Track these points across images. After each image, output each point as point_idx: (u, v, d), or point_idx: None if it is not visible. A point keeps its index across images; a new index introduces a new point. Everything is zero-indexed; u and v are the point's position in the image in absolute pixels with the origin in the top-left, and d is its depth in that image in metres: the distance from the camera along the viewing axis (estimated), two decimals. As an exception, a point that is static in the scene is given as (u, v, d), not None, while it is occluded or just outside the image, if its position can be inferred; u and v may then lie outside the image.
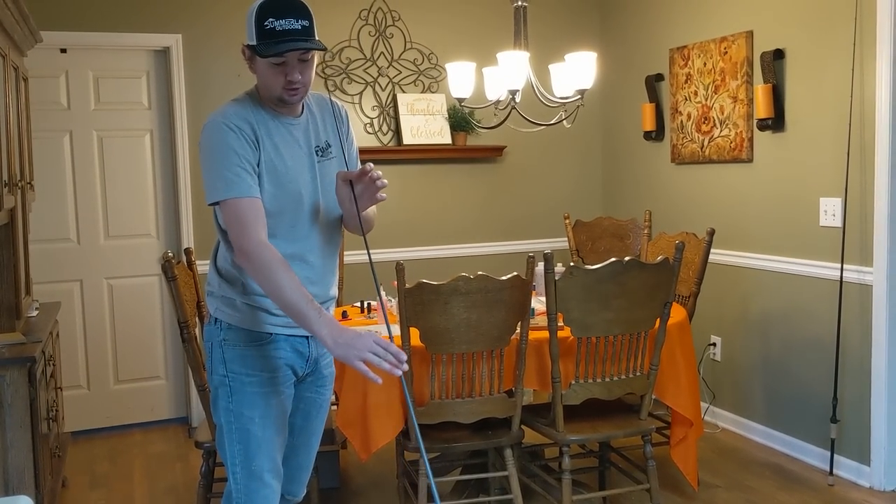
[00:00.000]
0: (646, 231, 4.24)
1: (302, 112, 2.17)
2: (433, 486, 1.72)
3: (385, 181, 2.07)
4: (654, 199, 4.88)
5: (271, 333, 2.13)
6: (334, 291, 2.29)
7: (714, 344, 4.47)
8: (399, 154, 4.88)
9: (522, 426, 3.09)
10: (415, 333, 2.82)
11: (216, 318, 2.16)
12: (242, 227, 1.99)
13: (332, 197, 2.18)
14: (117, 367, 4.63)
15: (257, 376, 2.13)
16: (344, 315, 3.53)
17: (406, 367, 1.93)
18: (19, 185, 3.21)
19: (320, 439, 2.42)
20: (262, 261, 1.97)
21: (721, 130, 4.30)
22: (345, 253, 4.51)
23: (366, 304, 3.63)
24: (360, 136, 4.84)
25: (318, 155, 2.17)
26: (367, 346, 1.89)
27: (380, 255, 4.76)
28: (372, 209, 2.28)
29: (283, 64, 2.00)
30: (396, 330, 2.95)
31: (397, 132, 4.88)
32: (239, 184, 2.00)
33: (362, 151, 4.82)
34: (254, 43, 1.99)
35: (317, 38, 2.02)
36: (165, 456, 4.20)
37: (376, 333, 1.97)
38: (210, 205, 2.06)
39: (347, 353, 1.90)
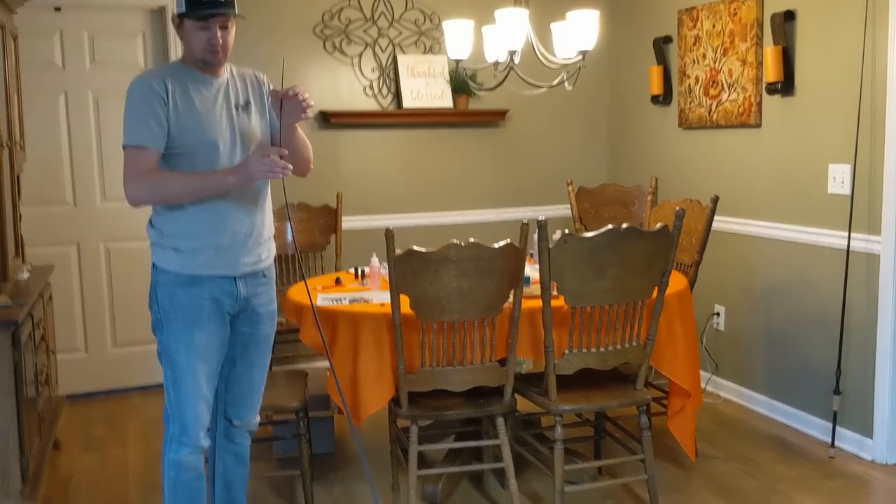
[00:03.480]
0: (650, 198, 4.14)
1: (223, 75, 2.44)
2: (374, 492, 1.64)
3: (312, 102, 2.37)
4: (660, 165, 4.78)
5: (195, 275, 2.37)
6: (267, 233, 2.53)
7: (717, 313, 4.39)
8: (399, 118, 4.78)
9: (516, 395, 3.04)
10: (405, 301, 2.76)
11: (154, 263, 2.43)
12: (135, 170, 2.28)
13: (254, 147, 2.44)
14: (115, 331, 4.61)
15: (182, 314, 2.38)
16: (337, 281, 3.47)
17: (289, 168, 2.31)
18: (6, 145, 3.15)
19: (265, 373, 2.66)
20: (151, 179, 2.28)
21: (729, 94, 4.18)
22: (343, 218, 4.46)
23: (360, 271, 3.57)
24: (359, 100, 4.75)
25: (237, 110, 2.43)
26: (259, 167, 2.26)
27: (378, 221, 4.71)
28: (308, 151, 2.56)
29: (206, 28, 2.31)
30: (386, 297, 2.89)
31: (397, 95, 4.78)
32: (142, 133, 2.28)
33: (361, 115, 4.76)
34: (183, 10, 2.30)
35: (236, 10, 2.36)
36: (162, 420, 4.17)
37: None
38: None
39: (254, 176, 2.30)
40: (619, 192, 4.56)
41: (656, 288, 2.92)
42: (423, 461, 3.39)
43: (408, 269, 2.71)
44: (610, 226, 2.76)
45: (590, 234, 2.75)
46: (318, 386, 3.62)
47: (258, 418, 2.68)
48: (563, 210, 4.96)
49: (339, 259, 4.36)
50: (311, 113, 2.40)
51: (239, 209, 2.42)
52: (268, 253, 2.55)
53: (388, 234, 2.71)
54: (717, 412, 4.14)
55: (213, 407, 2.53)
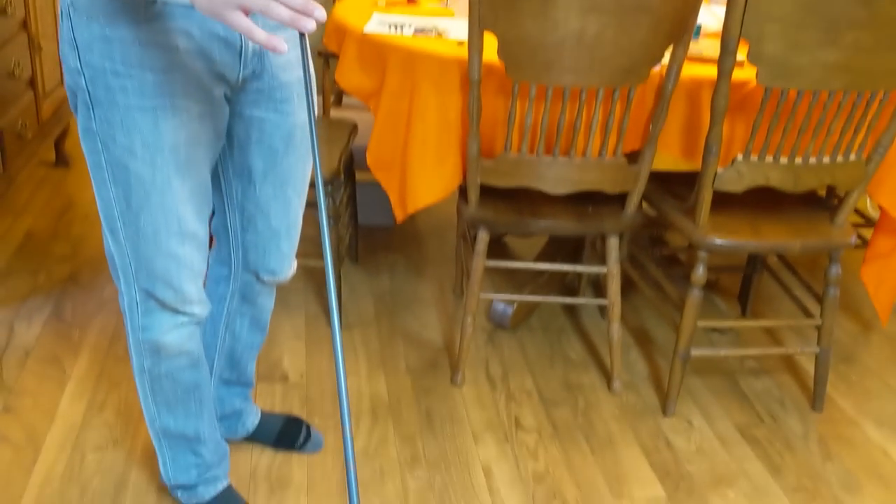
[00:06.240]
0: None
1: None
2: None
3: None
4: None
5: None
6: None
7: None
8: None
9: (644, 203, 2.04)
10: (491, 43, 1.70)
11: None
12: None
13: None
14: None
15: (134, 77, 1.19)
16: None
17: (313, 25, 1.01)
18: None
19: (306, 189, 1.52)
20: None
21: None
22: None
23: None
24: None
25: None
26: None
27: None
28: None
29: None
30: (463, 32, 1.83)
31: None
32: None
33: None
34: None
35: None
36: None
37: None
38: None
39: (212, 4, 1.01)
40: None
41: (917, 72, 1.73)
42: (501, 254, 2.49)
43: (501, -10, 1.62)
44: (871, -48, 1.54)
45: (831, -35, 1.54)
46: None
47: (295, 264, 1.61)
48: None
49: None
50: None
51: None
52: None
53: (474, -74, 1.59)
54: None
55: (222, 249, 1.57)
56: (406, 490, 1.72)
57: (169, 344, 1.39)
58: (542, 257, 2.53)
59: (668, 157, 2.03)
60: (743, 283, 2.46)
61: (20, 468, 1.70)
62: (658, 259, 2.37)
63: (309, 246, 2.58)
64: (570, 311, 2.44)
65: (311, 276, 2.52)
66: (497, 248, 2.71)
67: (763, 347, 2.31)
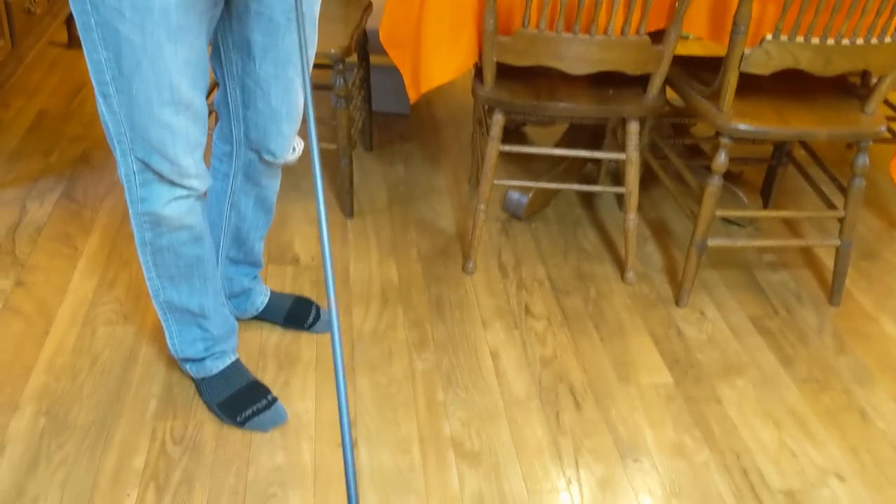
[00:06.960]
0: None
1: None
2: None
3: None
4: None
5: None
6: None
7: None
8: None
9: (667, 88, 1.96)
10: None
11: None
12: None
13: None
14: None
15: None
16: None
17: None
18: None
19: (310, 70, 1.45)
20: None
21: None
22: None
23: None
24: None
25: None
26: None
27: None
28: None
29: None
30: None
31: None
32: None
33: None
34: None
35: None
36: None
37: None
38: None
39: None
40: None
41: (966, -55, 1.61)
42: (515, 140, 2.44)
43: None
44: None
45: None
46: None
47: (301, 145, 1.59)
48: None
49: None
50: None
51: None
52: None
53: None
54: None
55: (224, 125, 1.54)
56: (413, 371, 1.73)
57: (168, 216, 1.37)
58: (560, 146, 2.47)
59: (695, 44, 1.94)
60: (767, 175, 2.39)
61: (32, 340, 1.72)
62: (680, 149, 2.30)
63: (321, 129, 2.54)
64: (587, 202, 2.39)
65: (324, 160, 2.49)
66: (515, 137, 2.65)
67: (782, 240, 2.26)
